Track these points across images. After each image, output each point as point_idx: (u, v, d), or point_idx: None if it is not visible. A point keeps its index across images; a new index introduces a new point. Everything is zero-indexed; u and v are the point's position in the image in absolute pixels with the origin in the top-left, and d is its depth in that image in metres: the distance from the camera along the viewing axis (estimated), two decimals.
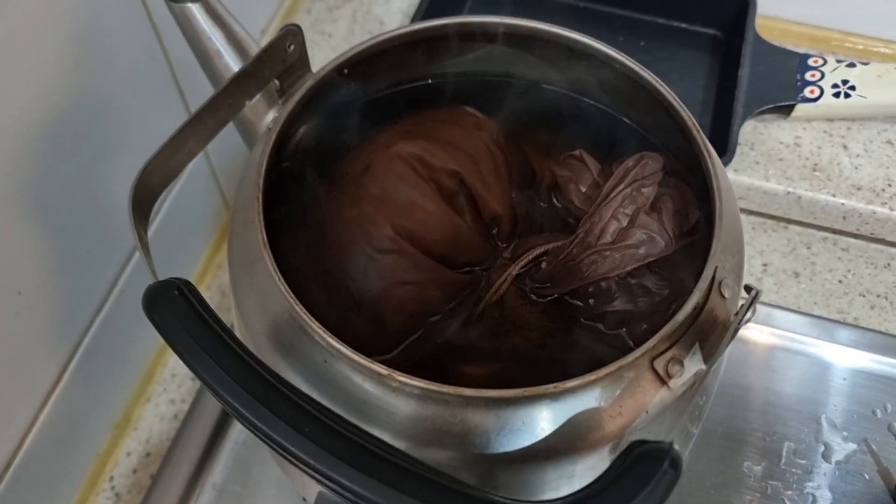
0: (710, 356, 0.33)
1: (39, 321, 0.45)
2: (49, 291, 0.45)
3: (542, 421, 0.31)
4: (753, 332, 0.57)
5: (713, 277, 0.34)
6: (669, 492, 0.27)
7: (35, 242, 0.43)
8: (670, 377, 0.32)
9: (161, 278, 0.33)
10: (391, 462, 0.27)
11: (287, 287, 0.33)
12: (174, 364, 0.57)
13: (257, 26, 0.64)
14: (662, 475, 0.26)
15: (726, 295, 0.34)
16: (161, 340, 0.30)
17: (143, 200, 0.35)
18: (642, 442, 0.28)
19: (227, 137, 0.40)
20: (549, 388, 0.30)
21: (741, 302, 0.34)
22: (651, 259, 0.38)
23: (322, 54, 0.68)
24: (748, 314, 0.32)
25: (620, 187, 0.39)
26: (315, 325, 0.32)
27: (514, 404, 0.31)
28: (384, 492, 0.26)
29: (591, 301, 0.39)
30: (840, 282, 0.60)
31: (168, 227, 0.55)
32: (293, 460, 0.28)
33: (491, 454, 0.32)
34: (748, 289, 0.33)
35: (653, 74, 0.40)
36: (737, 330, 0.32)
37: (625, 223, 0.39)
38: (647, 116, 0.43)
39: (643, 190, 0.39)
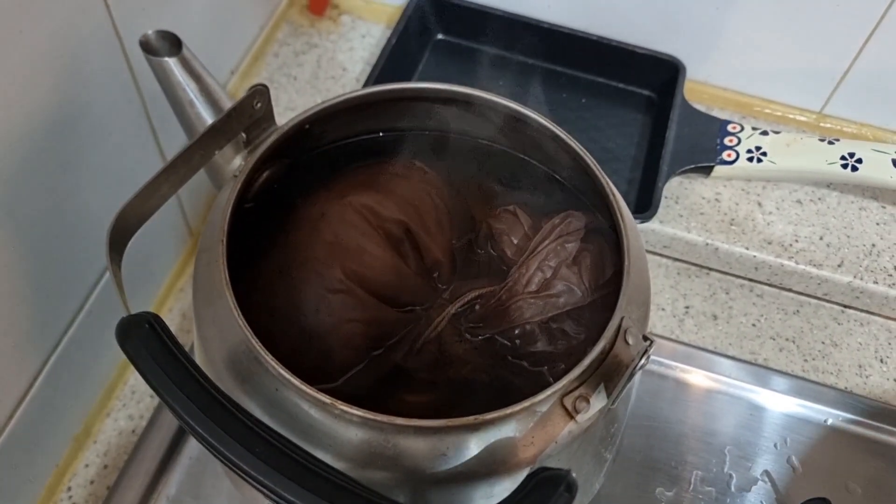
0: (612, 394, 0.38)
1: (11, 340, 0.47)
2: (22, 312, 0.47)
3: (465, 447, 0.36)
4: (671, 370, 0.62)
5: (619, 326, 0.39)
6: None
7: (12, 266, 0.46)
8: (577, 412, 0.37)
9: (127, 301, 0.37)
10: (330, 480, 0.32)
11: (245, 322, 0.37)
12: (134, 381, 0.60)
13: (228, 66, 0.68)
14: (558, 497, 0.31)
15: (630, 342, 0.39)
16: (122, 357, 0.33)
17: (118, 241, 0.38)
18: (545, 469, 0.33)
19: None
20: (471, 419, 0.35)
21: (645, 345, 0.39)
22: (569, 307, 0.43)
23: (287, 96, 0.71)
24: (643, 361, 0.37)
25: (546, 242, 0.44)
26: (268, 358, 0.36)
27: (440, 432, 0.35)
28: None
29: (517, 342, 0.44)
30: (754, 325, 0.65)
31: (133, 251, 0.58)
32: (245, 477, 0.32)
33: (420, 475, 0.36)
34: (646, 338, 0.38)
35: (580, 145, 0.45)
36: (633, 374, 0.37)
37: (549, 275, 0.44)
38: (575, 178, 0.48)
39: (567, 245, 0.44)
